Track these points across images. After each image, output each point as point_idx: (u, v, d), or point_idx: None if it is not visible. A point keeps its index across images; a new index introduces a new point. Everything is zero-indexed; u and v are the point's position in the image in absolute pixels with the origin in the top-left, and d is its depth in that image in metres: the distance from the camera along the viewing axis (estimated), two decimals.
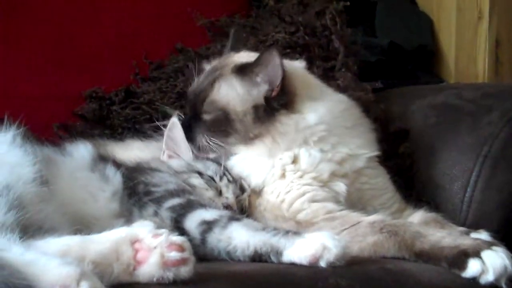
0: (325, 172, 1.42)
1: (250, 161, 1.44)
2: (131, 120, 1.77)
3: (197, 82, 1.53)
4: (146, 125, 1.68)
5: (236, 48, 1.58)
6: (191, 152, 1.46)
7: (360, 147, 1.47)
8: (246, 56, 1.52)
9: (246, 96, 1.44)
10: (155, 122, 1.58)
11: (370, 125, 1.54)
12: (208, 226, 1.17)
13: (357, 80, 1.76)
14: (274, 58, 1.41)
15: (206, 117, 1.47)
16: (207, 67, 1.56)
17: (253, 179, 1.43)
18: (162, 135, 1.50)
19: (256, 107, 1.43)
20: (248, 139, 1.44)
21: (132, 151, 1.56)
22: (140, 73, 1.89)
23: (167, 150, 1.48)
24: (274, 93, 1.43)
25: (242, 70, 1.45)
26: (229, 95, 1.45)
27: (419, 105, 1.74)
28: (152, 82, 1.86)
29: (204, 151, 1.46)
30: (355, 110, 1.54)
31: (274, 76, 1.42)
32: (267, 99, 1.43)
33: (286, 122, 1.43)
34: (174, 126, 1.47)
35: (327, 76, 1.71)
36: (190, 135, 1.47)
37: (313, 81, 1.55)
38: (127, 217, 1.25)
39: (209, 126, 1.46)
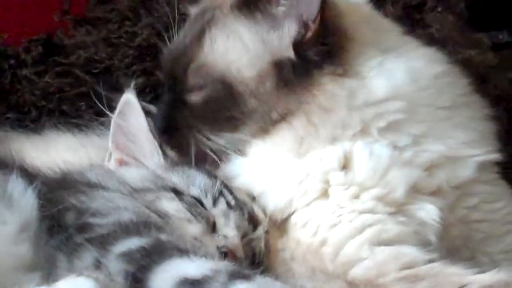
0: (400, 185, 1.42)
1: (265, 165, 1.45)
2: (54, 96, 1.77)
3: (179, 36, 1.55)
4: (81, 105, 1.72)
5: None
6: (160, 155, 1.46)
7: (467, 144, 1.47)
8: None
9: (259, 46, 1.45)
10: (95, 99, 1.59)
11: (485, 107, 1.53)
12: None
13: (466, 29, 1.76)
14: None
15: (194, 97, 1.47)
16: (194, 10, 1.58)
17: (271, 199, 1.43)
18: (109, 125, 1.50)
19: (279, 65, 1.44)
20: (271, 124, 1.44)
21: (56, 151, 1.56)
22: (71, 11, 1.91)
23: (116, 150, 1.48)
24: (309, 34, 1.43)
25: (248, 3, 1.47)
26: (229, 52, 1.46)
27: None
28: (93, 28, 1.86)
29: (202, 159, 1.46)
30: (458, 79, 1.53)
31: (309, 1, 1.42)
32: (297, 45, 1.43)
33: (332, 88, 1.42)
34: (129, 107, 1.46)
35: (412, 20, 1.71)
36: (173, 133, 1.47)
37: (381, 21, 1.55)
38: (46, 270, 1.25)
39: (201, 112, 1.47)
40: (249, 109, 1.44)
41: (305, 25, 1.43)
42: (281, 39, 1.44)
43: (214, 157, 1.46)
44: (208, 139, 1.45)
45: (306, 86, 1.43)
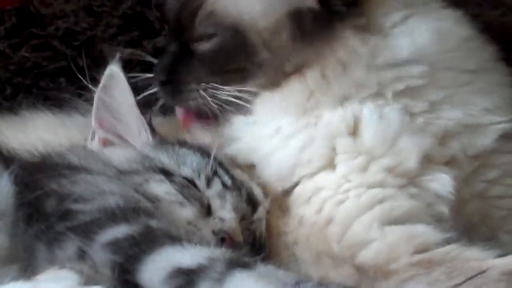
0: (411, 154, 1.41)
1: (269, 124, 1.44)
2: (31, 71, 1.78)
3: None
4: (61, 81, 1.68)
5: None
6: (147, 132, 1.46)
7: (488, 110, 1.47)
8: None
9: None
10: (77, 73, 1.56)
11: (507, 74, 1.53)
12: (186, 279, 1.14)
13: None
14: None
15: (202, 46, 1.47)
16: None
17: (273, 165, 1.43)
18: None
19: (298, 15, 1.43)
20: (282, 78, 1.44)
21: (35, 131, 1.56)
22: None
23: (100, 129, 1.47)
24: None
25: None
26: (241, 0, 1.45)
27: None
28: None
29: (203, 113, 1.47)
30: (485, 45, 1.53)
31: None
32: None
33: (354, 43, 1.42)
34: (114, 81, 1.46)
35: None
36: (173, 86, 1.48)
37: None
38: (25, 262, 1.23)
39: (210, 62, 1.47)
40: (261, 60, 1.44)
41: None
42: None
43: (217, 112, 1.46)
44: (216, 89, 1.44)
45: (326, 39, 1.43)
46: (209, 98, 1.46)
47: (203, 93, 1.46)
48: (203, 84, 1.46)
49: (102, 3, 1.84)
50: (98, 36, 1.79)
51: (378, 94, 1.42)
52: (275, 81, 1.44)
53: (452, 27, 1.47)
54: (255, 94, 1.45)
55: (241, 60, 1.44)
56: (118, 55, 1.48)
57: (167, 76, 1.49)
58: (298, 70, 1.44)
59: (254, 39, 1.44)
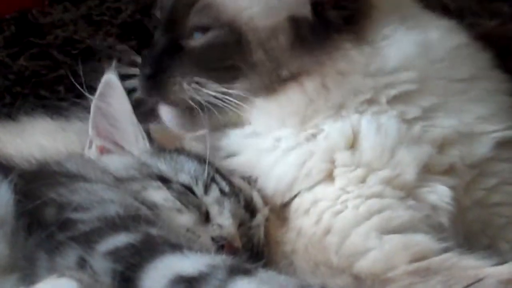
0: (410, 167, 1.40)
1: (267, 138, 1.43)
2: (29, 80, 1.78)
3: None
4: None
5: None
6: (145, 139, 1.45)
7: (484, 118, 1.46)
8: None
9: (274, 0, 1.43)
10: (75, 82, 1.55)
11: (505, 81, 1.52)
12: (188, 287, 1.12)
13: None
14: None
15: (194, 42, 1.46)
16: None
17: (272, 179, 1.42)
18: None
19: (296, 21, 1.43)
20: (277, 83, 1.44)
21: (33, 138, 1.55)
22: None
23: (97, 137, 1.46)
24: None
25: None
26: None
27: None
28: (71, 4, 1.87)
29: (184, 112, 1.45)
30: (478, 53, 1.52)
31: None
32: (316, 5, 1.42)
33: (352, 53, 1.42)
34: (111, 89, 1.45)
35: None
36: (158, 79, 1.45)
37: None
38: (25, 271, 1.22)
39: (201, 57, 1.45)
40: (255, 60, 1.43)
41: None
42: None
43: (198, 109, 1.44)
44: (201, 85, 1.43)
45: (326, 48, 1.43)
46: (190, 94, 1.43)
47: (186, 86, 1.44)
48: (188, 78, 1.44)
49: (101, 11, 1.84)
50: (98, 45, 1.78)
51: (373, 101, 1.42)
52: (268, 86, 1.44)
53: (439, 38, 1.48)
54: (242, 99, 1.43)
55: (234, 58, 1.43)
56: (114, 63, 1.48)
57: (152, 69, 1.46)
58: (294, 77, 1.43)
59: (250, 37, 1.43)
